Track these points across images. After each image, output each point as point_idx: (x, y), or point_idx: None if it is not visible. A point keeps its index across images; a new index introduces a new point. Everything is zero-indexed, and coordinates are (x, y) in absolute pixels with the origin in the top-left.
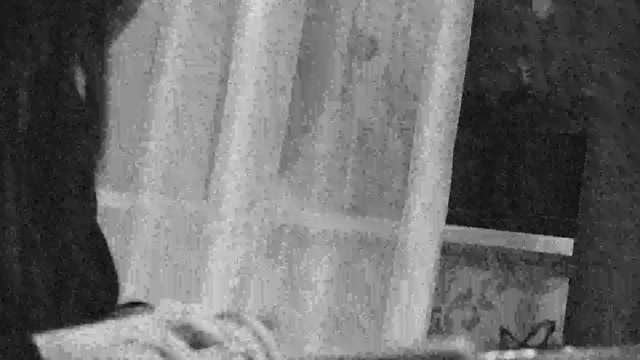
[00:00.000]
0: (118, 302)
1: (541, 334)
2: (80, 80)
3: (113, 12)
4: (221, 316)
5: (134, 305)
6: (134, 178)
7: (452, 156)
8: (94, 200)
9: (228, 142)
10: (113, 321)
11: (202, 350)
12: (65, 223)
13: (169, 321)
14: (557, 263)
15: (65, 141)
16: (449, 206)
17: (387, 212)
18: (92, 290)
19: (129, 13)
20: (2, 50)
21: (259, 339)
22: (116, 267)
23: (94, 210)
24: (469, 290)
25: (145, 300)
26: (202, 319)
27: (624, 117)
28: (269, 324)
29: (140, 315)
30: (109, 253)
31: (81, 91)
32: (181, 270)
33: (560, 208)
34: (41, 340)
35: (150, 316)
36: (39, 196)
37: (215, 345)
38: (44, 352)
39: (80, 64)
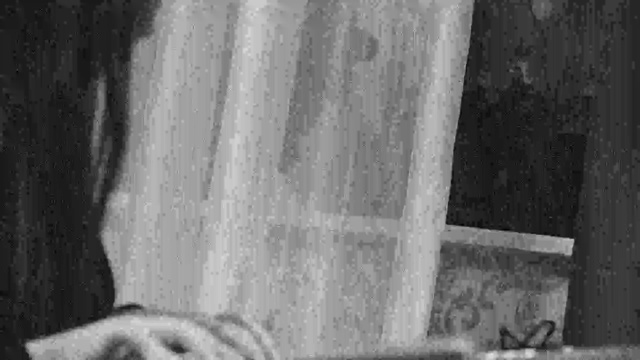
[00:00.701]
0: (114, 306)
1: (541, 334)
2: (100, 95)
3: (137, 30)
4: (221, 318)
5: (128, 308)
6: (134, 178)
7: (452, 156)
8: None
9: (228, 142)
10: (103, 323)
11: (186, 354)
12: (74, 234)
13: (153, 324)
14: (557, 263)
15: (83, 156)
16: (449, 206)
17: (387, 212)
18: (92, 298)
19: (149, 30)
20: (24, 66)
21: (258, 340)
22: (113, 272)
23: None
24: (469, 290)
25: (139, 303)
26: (191, 330)
27: (624, 117)
28: (267, 326)
29: (129, 317)
30: (107, 259)
31: (101, 105)
32: (181, 270)
33: (560, 208)
34: (35, 347)
35: (138, 318)
36: (50, 208)
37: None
38: (36, 359)
39: (105, 80)
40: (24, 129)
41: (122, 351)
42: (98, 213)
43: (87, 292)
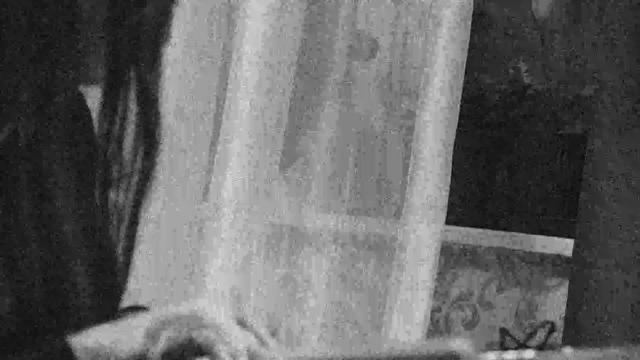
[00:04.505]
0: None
1: (541, 334)
2: (132, 103)
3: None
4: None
5: (133, 309)
6: None
7: (452, 156)
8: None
9: (228, 142)
10: (141, 317)
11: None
12: (103, 240)
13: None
14: (557, 263)
15: (109, 163)
16: (449, 206)
17: (387, 212)
18: (116, 297)
19: (169, 38)
20: (49, 74)
21: (264, 344)
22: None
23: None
24: (469, 290)
25: (146, 305)
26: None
27: (624, 117)
28: (273, 331)
29: (164, 310)
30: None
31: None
32: (181, 270)
33: (560, 208)
34: (75, 342)
35: (175, 312)
36: (80, 214)
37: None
38: (77, 353)
39: (137, 89)
40: (48, 137)
41: (161, 343)
42: (132, 221)
43: (117, 292)
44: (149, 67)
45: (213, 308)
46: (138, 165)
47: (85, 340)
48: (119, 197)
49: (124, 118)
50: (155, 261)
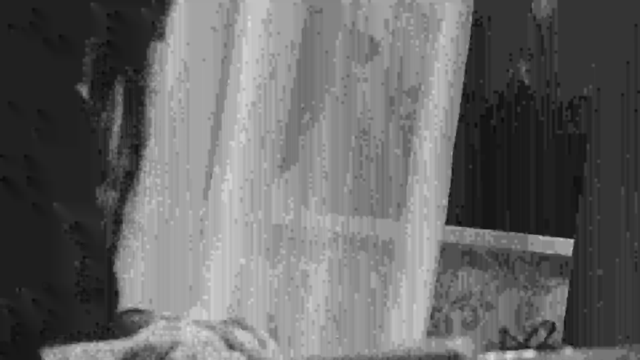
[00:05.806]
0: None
1: (541, 334)
2: (119, 102)
3: (155, 36)
4: (227, 322)
5: (132, 312)
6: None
7: (451, 156)
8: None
9: (228, 142)
10: (116, 341)
11: None
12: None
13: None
14: (557, 263)
15: (102, 162)
16: (449, 206)
17: (387, 212)
18: (105, 302)
19: (163, 35)
20: (46, 75)
21: (264, 345)
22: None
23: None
24: (469, 290)
25: (143, 308)
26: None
27: (623, 117)
28: (271, 332)
29: (143, 332)
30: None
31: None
32: (181, 271)
33: (560, 208)
34: (49, 356)
35: (151, 340)
36: (75, 212)
37: None
38: None
39: (124, 87)
40: (47, 136)
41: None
42: (117, 219)
43: (102, 295)
44: (138, 66)
45: (194, 330)
46: (123, 163)
47: (59, 355)
48: (106, 195)
49: (111, 116)
50: (156, 261)
